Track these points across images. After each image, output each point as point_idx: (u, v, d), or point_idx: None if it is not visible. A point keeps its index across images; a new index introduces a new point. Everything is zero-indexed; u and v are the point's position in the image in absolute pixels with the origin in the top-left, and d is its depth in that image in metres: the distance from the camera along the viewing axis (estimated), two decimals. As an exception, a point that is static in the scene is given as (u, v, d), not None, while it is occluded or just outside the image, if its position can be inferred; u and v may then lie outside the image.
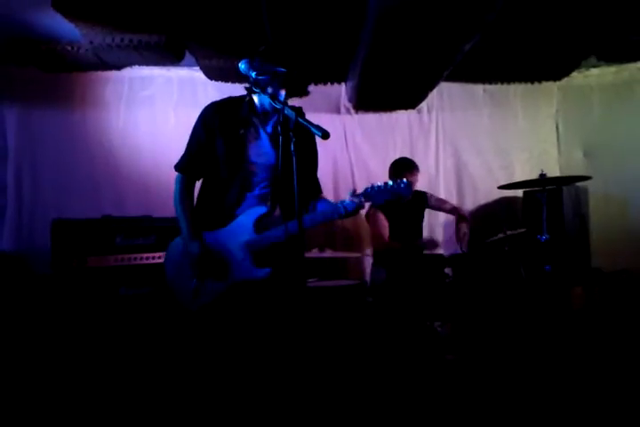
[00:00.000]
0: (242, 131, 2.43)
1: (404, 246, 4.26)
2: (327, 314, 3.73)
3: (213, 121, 2.44)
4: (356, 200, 2.32)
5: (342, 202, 2.34)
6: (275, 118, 2.46)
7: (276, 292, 2.45)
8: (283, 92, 2.26)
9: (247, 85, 2.38)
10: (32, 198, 4.76)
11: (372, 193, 2.35)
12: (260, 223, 2.43)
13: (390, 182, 2.33)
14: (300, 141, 2.29)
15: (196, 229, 2.45)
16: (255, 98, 2.45)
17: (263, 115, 2.47)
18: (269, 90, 2.26)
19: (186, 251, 2.45)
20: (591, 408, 2.90)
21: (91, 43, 4.17)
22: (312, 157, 2.63)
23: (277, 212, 2.50)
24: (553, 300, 4.24)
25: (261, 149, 2.47)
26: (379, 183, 2.35)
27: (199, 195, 2.57)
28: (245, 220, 2.43)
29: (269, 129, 2.48)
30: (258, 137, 2.47)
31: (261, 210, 2.44)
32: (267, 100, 2.34)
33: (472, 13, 3.29)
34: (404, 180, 2.34)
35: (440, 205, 4.72)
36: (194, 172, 2.54)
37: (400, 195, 2.33)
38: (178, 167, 2.55)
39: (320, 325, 3.65)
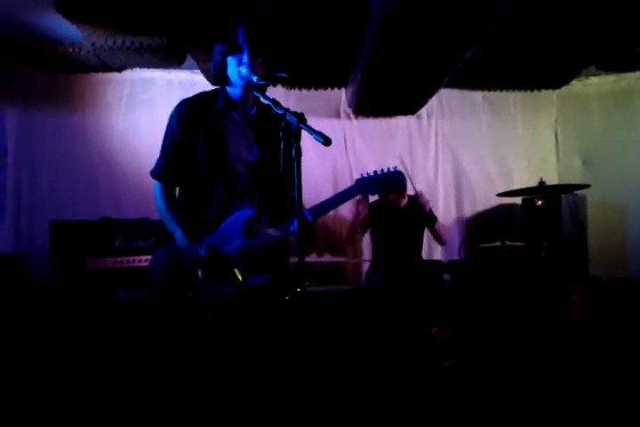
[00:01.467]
0: (221, 126, 2.35)
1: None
2: (324, 319, 3.72)
3: (188, 119, 2.34)
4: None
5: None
6: (254, 111, 2.41)
7: (273, 297, 2.43)
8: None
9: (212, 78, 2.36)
10: (31, 200, 4.74)
11: (363, 184, 2.33)
12: (249, 227, 2.35)
13: (379, 170, 2.33)
14: (268, 128, 2.37)
15: (191, 233, 2.33)
16: (228, 89, 2.38)
17: (241, 106, 2.39)
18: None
19: (188, 257, 2.31)
20: (589, 416, 2.90)
21: (92, 44, 4.17)
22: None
23: (264, 215, 2.42)
24: (550, 307, 4.25)
25: (243, 145, 2.39)
26: (369, 172, 2.34)
27: (178, 199, 2.45)
28: (233, 225, 2.34)
29: (249, 121, 2.40)
30: (238, 131, 2.39)
31: (248, 213, 2.36)
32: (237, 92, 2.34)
33: (473, 22, 3.30)
34: (395, 166, 2.34)
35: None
36: (173, 178, 2.41)
37: (392, 182, 2.34)
38: (155, 175, 2.42)
39: (317, 330, 3.64)
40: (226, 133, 2.37)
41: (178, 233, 2.31)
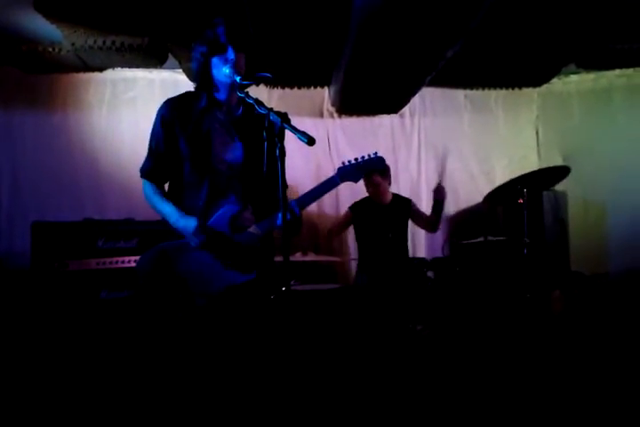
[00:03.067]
0: (205, 126, 2.35)
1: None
2: (309, 318, 3.73)
3: (172, 119, 2.34)
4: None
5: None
6: (240, 110, 2.41)
7: (259, 295, 2.43)
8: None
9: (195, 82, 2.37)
10: (11, 201, 4.71)
11: (345, 171, 2.42)
12: (235, 224, 2.34)
13: (360, 157, 2.46)
14: (253, 128, 2.36)
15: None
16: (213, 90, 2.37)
17: (226, 106, 2.39)
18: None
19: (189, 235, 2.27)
20: (571, 409, 2.94)
21: (72, 44, 4.14)
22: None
23: (249, 212, 2.40)
24: (533, 303, 4.29)
25: (228, 145, 2.39)
26: (350, 160, 2.45)
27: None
28: (219, 222, 2.33)
29: (234, 121, 2.40)
30: (223, 131, 2.39)
31: (233, 210, 2.35)
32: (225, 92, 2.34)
33: (455, 20, 3.32)
34: (375, 152, 2.48)
35: (421, 215, 4.73)
36: (160, 176, 2.43)
37: (373, 165, 2.47)
38: (143, 174, 2.44)
39: (302, 328, 3.65)
40: (210, 133, 2.36)
41: (169, 209, 2.33)
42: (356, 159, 2.45)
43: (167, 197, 2.41)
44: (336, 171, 2.45)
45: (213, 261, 2.32)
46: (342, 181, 2.44)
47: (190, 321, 2.30)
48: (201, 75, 2.34)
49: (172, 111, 2.35)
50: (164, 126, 2.35)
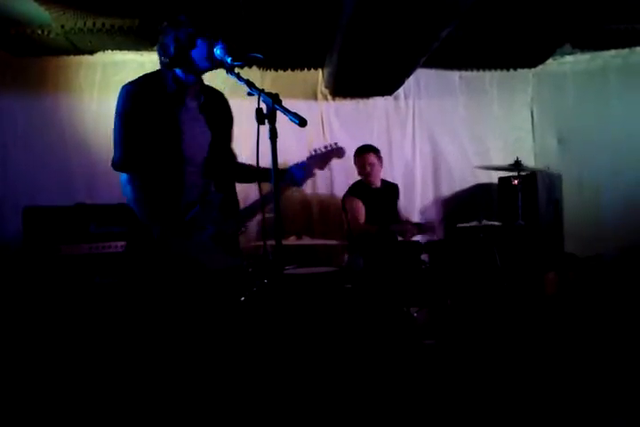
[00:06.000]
0: (173, 111, 2.29)
1: (380, 230, 4.30)
2: (305, 301, 3.73)
3: (142, 103, 2.23)
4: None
5: None
6: (202, 97, 2.40)
7: (253, 279, 2.44)
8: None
9: (166, 60, 2.29)
10: (2, 185, 4.66)
11: (312, 159, 2.60)
12: (221, 212, 2.37)
13: (324, 146, 2.69)
14: (217, 111, 2.44)
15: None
16: (178, 71, 2.32)
17: (193, 90, 2.37)
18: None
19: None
20: (566, 392, 2.96)
21: (62, 27, 4.08)
22: (229, 126, 2.58)
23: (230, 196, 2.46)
24: (527, 285, 4.31)
25: (197, 129, 2.36)
26: (317, 149, 2.67)
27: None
28: (206, 211, 2.32)
29: (199, 105, 2.39)
30: (191, 115, 2.35)
31: (218, 197, 2.38)
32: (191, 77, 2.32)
33: (449, 1, 3.28)
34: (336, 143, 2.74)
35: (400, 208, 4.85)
36: (136, 165, 2.26)
37: (333, 154, 2.68)
38: (118, 166, 2.27)
39: (298, 312, 3.65)
40: (179, 118, 2.31)
41: (157, 229, 2.23)
42: (319, 149, 2.66)
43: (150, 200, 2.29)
44: (306, 159, 2.61)
45: (205, 245, 2.32)
46: (315, 168, 2.61)
47: (187, 300, 2.29)
48: (179, 55, 2.25)
49: (139, 95, 2.25)
50: (133, 111, 2.24)
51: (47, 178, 4.70)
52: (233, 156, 2.61)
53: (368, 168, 4.51)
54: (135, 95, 2.25)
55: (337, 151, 2.70)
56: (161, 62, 2.34)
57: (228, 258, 2.39)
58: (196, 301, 2.29)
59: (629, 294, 4.45)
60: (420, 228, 4.52)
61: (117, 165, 2.28)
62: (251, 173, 2.58)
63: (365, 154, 4.55)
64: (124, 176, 2.27)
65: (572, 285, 4.71)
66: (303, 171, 2.51)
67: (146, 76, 2.34)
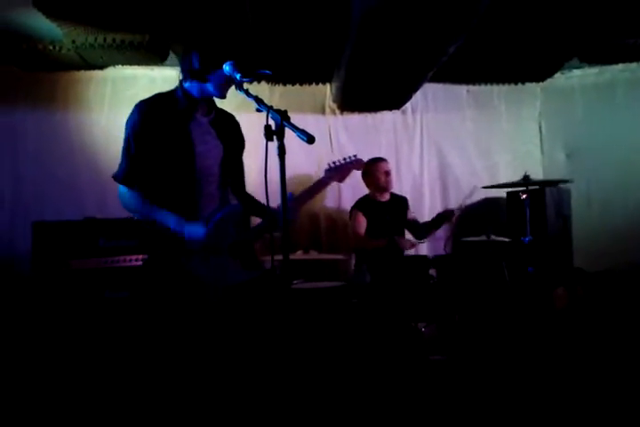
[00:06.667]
0: (185, 126, 2.35)
1: (388, 243, 4.29)
2: (312, 315, 3.72)
3: (152, 120, 2.30)
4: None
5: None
6: (213, 113, 2.46)
7: (264, 293, 2.44)
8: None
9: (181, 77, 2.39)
10: (13, 200, 4.68)
11: (330, 171, 2.72)
12: (239, 224, 2.41)
13: (342, 158, 2.78)
14: (228, 129, 2.51)
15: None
16: (187, 87, 2.39)
17: (206, 104, 2.43)
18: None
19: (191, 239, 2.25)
20: (577, 406, 2.92)
21: (73, 42, 4.12)
22: (240, 147, 2.63)
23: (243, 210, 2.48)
24: (536, 300, 4.27)
25: (209, 144, 2.41)
26: (335, 161, 2.76)
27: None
28: (224, 222, 2.33)
29: (210, 120, 2.45)
30: (203, 130, 2.41)
31: (238, 209, 2.43)
32: (208, 89, 2.35)
33: (457, 16, 3.29)
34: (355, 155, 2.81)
35: (413, 217, 4.83)
36: (139, 181, 2.34)
37: (352, 166, 2.77)
38: (120, 179, 2.35)
39: (305, 326, 3.64)
40: (191, 133, 2.36)
41: (170, 217, 2.28)
42: (339, 160, 2.77)
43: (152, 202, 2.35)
44: (324, 172, 2.73)
45: (221, 260, 2.33)
46: (331, 180, 2.72)
47: (200, 317, 2.29)
48: (198, 69, 2.32)
49: (149, 113, 2.32)
50: (143, 128, 2.30)
51: (57, 192, 4.72)
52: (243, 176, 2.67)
53: (383, 177, 4.54)
54: (146, 112, 2.32)
55: (357, 163, 2.77)
56: (182, 71, 2.41)
57: (244, 272, 2.40)
58: (204, 320, 2.29)
59: (639, 310, 4.42)
60: (442, 217, 4.49)
61: (118, 178, 2.36)
62: (251, 205, 2.63)
63: (380, 162, 4.59)
64: (122, 188, 2.37)
65: (581, 300, 4.67)
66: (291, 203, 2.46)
67: (159, 94, 2.41)
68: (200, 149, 2.37)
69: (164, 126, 2.31)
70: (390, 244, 4.29)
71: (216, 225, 2.30)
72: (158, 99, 2.39)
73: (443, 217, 4.45)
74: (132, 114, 2.34)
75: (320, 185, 2.68)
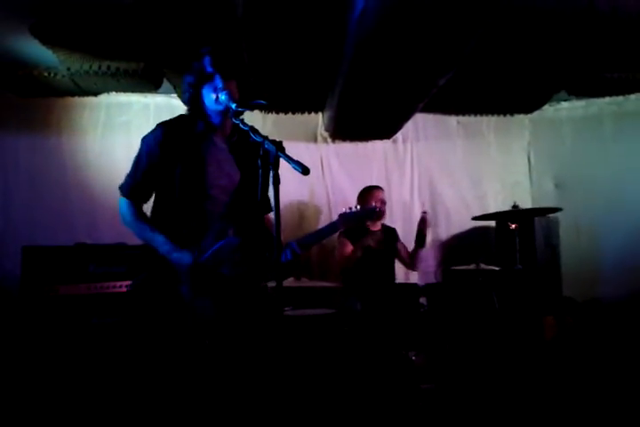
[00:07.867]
0: (202, 150, 2.34)
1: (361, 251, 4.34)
2: (301, 343, 3.70)
3: (168, 141, 2.30)
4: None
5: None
6: (235, 137, 2.42)
7: (255, 321, 2.42)
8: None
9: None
10: (3, 224, 4.67)
11: (347, 217, 2.61)
12: (236, 257, 2.36)
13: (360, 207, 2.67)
14: (248, 153, 2.38)
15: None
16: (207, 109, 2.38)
17: (221, 131, 2.40)
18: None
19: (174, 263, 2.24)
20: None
21: (68, 69, 4.16)
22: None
23: (245, 244, 2.40)
24: (526, 329, 4.28)
25: (224, 170, 2.39)
26: (352, 208, 2.64)
27: (152, 221, 2.37)
28: (220, 254, 2.29)
29: (230, 146, 2.42)
30: (220, 156, 2.39)
31: (235, 242, 2.33)
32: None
33: (447, 50, 3.36)
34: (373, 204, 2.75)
35: (403, 246, 4.81)
36: (142, 197, 2.38)
37: (369, 215, 2.67)
38: (124, 191, 2.38)
39: (295, 353, 3.62)
40: (205, 158, 2.35)
41: (160, 239, 2.27)
42: (356, 207, 2.63)
43: (150, 221, 2.37)
44: (338, 217, 2.62)
45: (217, 291, 2.31)
46: (344, 226, 2.61)
47: (188, 345, 2.27)
48: (192, 105, 2.37)
49: (167, 133, 2.32)
50: (158, 147, 2.30)
51: (48, 217, 4.70)
52: (266, 202, 2.46)
53: (379, 205, 4.50)
54: (164, 133, 2.32)
55: (373, 214, 2.69)
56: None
57: (239, 304, 2.37)
58: (192, 348, 2.26)
59: (628, 339, 4.42)
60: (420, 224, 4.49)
61: (123, 190, 2.39)
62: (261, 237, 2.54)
63: (376, 190, 4.58)
64: (122, 200, 2.39)
65: (570, 329, 4.68)
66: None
67: (181, 116, 2.43)
68: (212, 177, 2.35)
69: (178, 148, 2.31)
70: (363, 248, 4.34)
71: (207, 259, 2.27)
72: (179, 120, 2.40)
73: (420, 223, 4.48)
74: (151, 131, 2.36)
75: (331, 229, 2.61)
